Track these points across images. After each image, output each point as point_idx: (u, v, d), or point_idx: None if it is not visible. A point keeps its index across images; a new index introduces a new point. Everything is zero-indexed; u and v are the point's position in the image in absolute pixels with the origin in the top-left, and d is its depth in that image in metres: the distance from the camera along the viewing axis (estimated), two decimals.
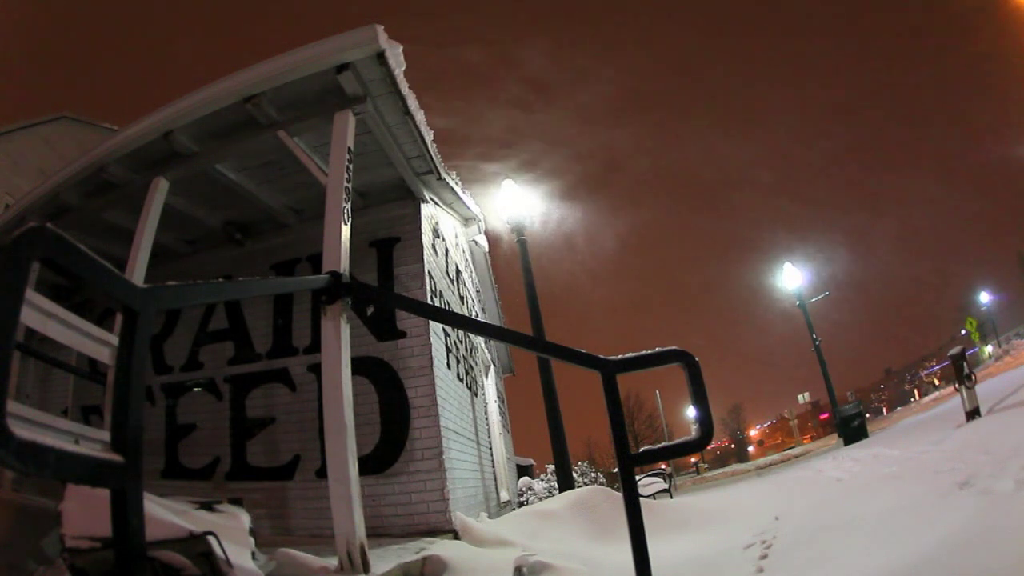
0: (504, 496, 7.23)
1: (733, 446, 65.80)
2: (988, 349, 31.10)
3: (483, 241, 7.52)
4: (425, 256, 4.59)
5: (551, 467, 11.13)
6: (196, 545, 1.85)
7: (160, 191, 3.84)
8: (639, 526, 1.84)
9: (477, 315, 8.20)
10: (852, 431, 11.80)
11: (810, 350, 15.06)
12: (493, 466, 6.53)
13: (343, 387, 2.67)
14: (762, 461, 21.82)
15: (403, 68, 3.43)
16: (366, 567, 2.43)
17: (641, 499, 2.30)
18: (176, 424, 4.60)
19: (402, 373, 4.20)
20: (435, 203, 5.23)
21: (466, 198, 5.56)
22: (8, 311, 0.97)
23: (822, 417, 49.16)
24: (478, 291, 8.66)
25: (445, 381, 4.54)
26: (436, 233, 5.30)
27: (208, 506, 2.35)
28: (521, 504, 9.59)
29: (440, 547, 3.10)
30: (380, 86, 3.46)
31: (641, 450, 2.04)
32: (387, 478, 3.96)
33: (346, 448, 2.57)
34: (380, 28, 3.18)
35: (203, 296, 2.16)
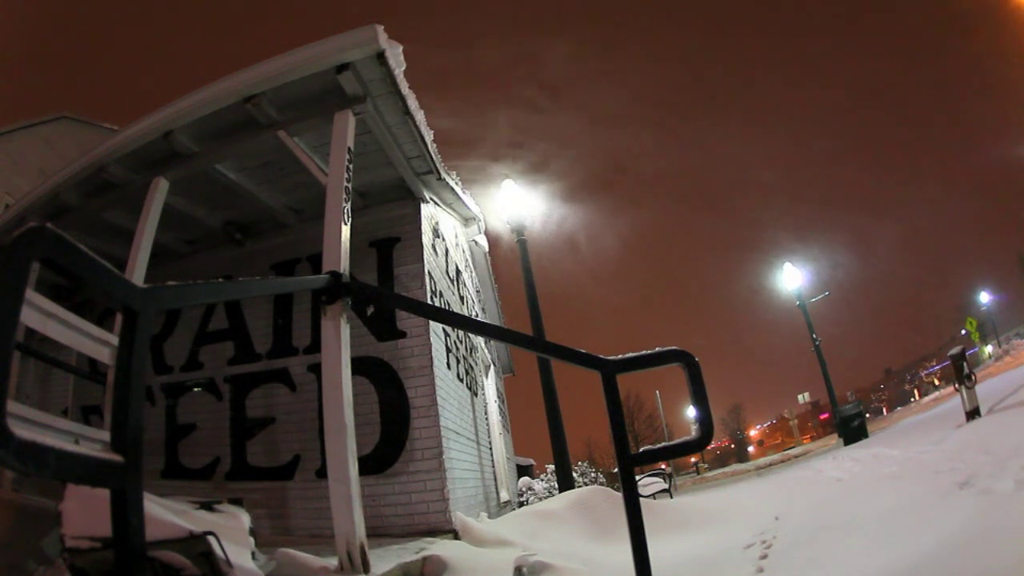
0: (504, 496, 7.23)
1: (733, 446, 65.79)
2: (988, 349, 31.12)
3: (483, 241, 7.52)
4: (425, 256, 4.60)
5: (551, 467, 11.13)
6: (196, 545, 1.85)
7: (160, 191, 3.84)
8: (639, 526, 1.84)
9: (477, 315, 8.20)
10: (852, 431, 11.80)
11: (810, 350, 15.06)
12: (493, 466, 6.53)
13: (343, 387, 2.67)
14: (762, 461, 21.82)
15: (403, 68, 3.43)
16: (366, 567, 2.43)
17: (641, 499, 2.30)
18: (176, 424, 4.60)
19: (402, 373, 4.20)
20: (435, 203, 5.23)
21: (466, 198, 5.57)
22: (8, 311, 0.97)
23: (822, 417, 49.16)
24: (478, 291, 8.67)
25: (445, 381, 4.54)
26: (436, 233, 5.30)
27: (208, 506, 2.35)
28: (521, 504, 9.59)
29: (440, 547, 3.10)
30: (380, 86, 3.46)
31: (641, 450, 2.03)
32: (387, 478, 3.96)
33: (346, 448, 2.57)
34: (380, 28, 3.18)
35: (203, 296, 2.16)
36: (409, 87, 3.55)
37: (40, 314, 2.63)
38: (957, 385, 7.21)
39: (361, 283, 3.98)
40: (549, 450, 6.58)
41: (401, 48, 3.37)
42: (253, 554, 2.29)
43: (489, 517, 5.02)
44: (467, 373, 5.85)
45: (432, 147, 4.12)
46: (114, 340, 2.97)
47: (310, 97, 3.55)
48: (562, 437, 6.28)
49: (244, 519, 2.40)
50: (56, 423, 3.14)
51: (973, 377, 7.08)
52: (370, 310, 4.40)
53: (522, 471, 13.37)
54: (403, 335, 4.31)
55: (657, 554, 1.91)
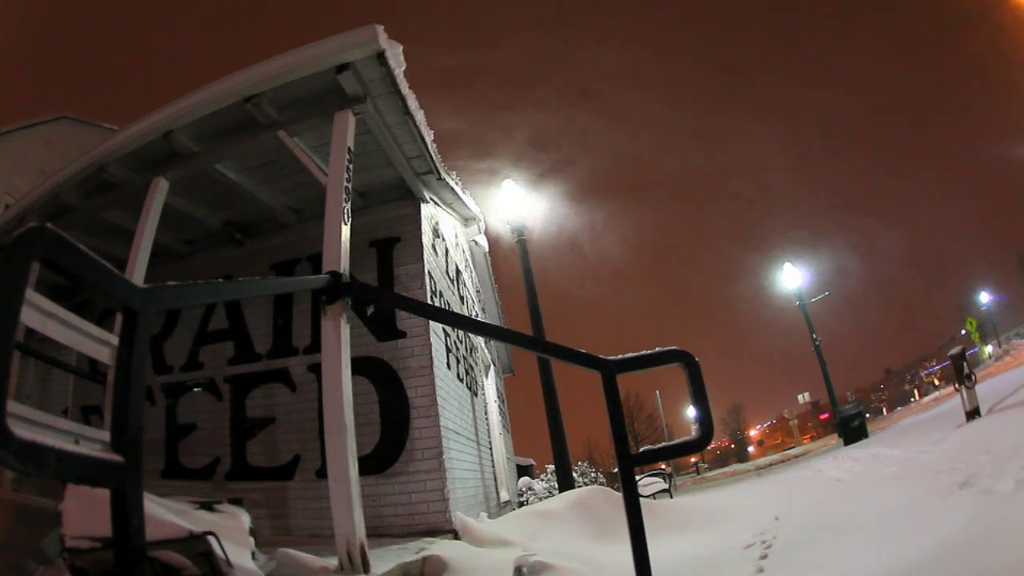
0: (504, 496, 7.23)
1: (733, 446, 65.78)
2: (988, 349, 31.11)
3: (483, 241, 7.52)
4: (425, 256, 4.60)
5: (551, 467, 11.14)
6: (196, 545, 1.85)
7: (160, 191, 3.84)
8: (639, 526, 1.84)
9: (477, 315, 8.20)
10: (852, 431, 11.80)
11: (810, 350, 15.07)
12: (493, 466, 6.53)
13: (343, 387, 2.67)
14: (762, 461, 21.82)
15: (403, 68, 3.43)
16: (366, 567, 2.43)
17: (641, 499, 2.30)
18: (176, 424, 4.60)
19: (402, 373, 4.21)
20: (435, 203, 5.23)
21: (466, 198, 5.57)
22: (8, 311, 0.97)
23: (822, 417, 49.17)
24: (478, 291, 8.67)
25: (445, 381, 4.54)
26: (436, 233, 5.30)
27: (208, 506, 2.35)
28: (521, 504, 9.59)
29: (440, 547, 3.10)
30: (380, 86, 3.46)
31: (641, 450, 2.04)
32: (387, 478, 3.96)
33: (346, 448, 2.57)
34: (380, 28, 3.19)
35: (203, 296, 2.16)
36: (409, 87, 3.55)
37: (40, 314, 2.63)
38: (957, 385, 7.21)
39: (361, 283, 3.98)
40: (549, 450, 6.59)
41: (401, 48, 3.37)
42: (253, 554, 2.30)
43: (489, 517, 5.02)
44: (467, 373, 5.85)
45: (432, 147, 4.12)
46: (114, 340, 2.97)
47: (310, 97, 3.55)
48: (562, 437, 6.28)
49: (244, 519, 2.40)
50: (56, 423, 3.14)
51: (973, 377, 7.08)
52: (370, 310, 4.40)
53: (522, 471, 13.37)
54: (403, 335, 4.31)
55: (657, 554, 1.91)
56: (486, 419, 6.93)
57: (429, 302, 4.41)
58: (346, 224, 3.09)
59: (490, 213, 7.25)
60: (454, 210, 5.95)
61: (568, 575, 2.71)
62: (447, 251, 5.82)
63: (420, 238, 4.61)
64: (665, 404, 34.84)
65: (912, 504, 3.24)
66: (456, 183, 5.02)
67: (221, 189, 4.24)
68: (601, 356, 2.10)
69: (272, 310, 4.68)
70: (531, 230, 7.55)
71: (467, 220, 6.56)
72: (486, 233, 7.34)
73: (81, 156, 4.17)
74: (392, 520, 3.85)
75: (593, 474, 16.88)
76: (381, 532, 3.75)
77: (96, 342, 3.03)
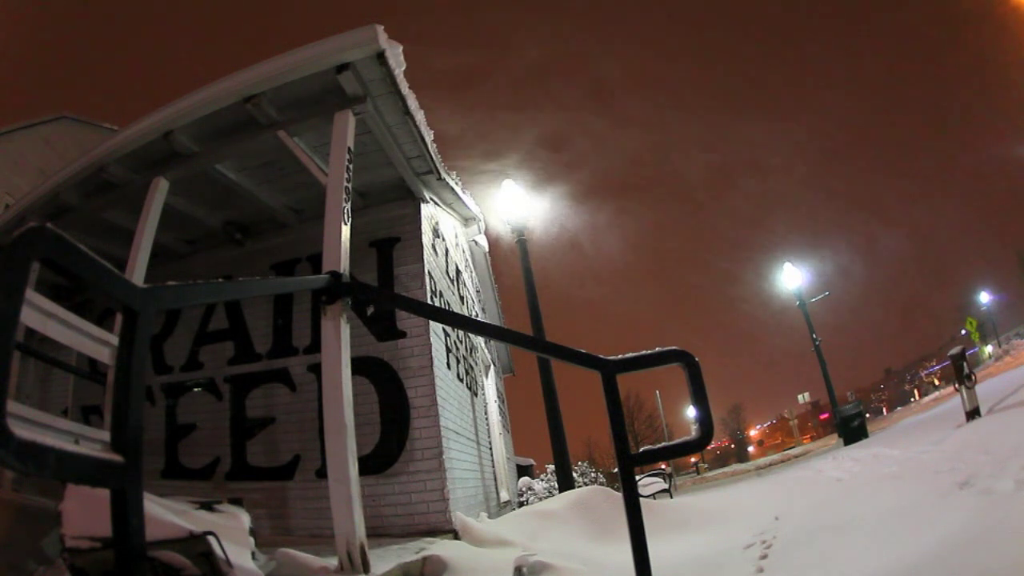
0: (504, 496, 7.23)
1: (733, 446, 65.78)
2: (988, 349, 31.11)
3: (483, 241, 7.52)
4: (425, 256, 4.60)
5: (551, 467, 11.14)
6: (196, 545, 1.85)
7: (160, 191, 3.84)
8: (639, 526, 1.84)
9: (477, 315, 8.20)
10: (852, 431, 11.80)
11: (810, 350, 15.06)
12: (493, 466, 6.53)
13: (343, 387, 2.67)
14: (762, 461, 21.81)
15: (403, 68, 3.43)
16: (366, 567, 2.43)
17: (641, 499, 2.30)
18: (176, 424, 4.60)
19: (402, 373, 4.21)
20: (435, 203, 5.23)
21: (466, 198, 5.57)
22: (8, 311, 0.97)
23: (822, 417, 49.17)
24: (478, 291, 8.67)
25: (445, 381, 4.54)
26: (436, 233, 5.30)
27: (208, 506, 2.35)
28: (521, 504, 9.59)
29: (440, 547, 3.10)
30: (380, 86, 3.46)
31: (641, 450, 2.03)
32: (387, 478, 3.96)
33: (346, 448, 2.57)
34: (380, 28, 3.19)
35: (203, 296, 2.16)
36: (409, 87, 3.55)
37: (40, 314, 2.63)
38: (957, 385, 7.21)
39: (361, 283, 3.98)
40: (549, 450, 6.59)
41: (401, 48, 3.37)
42: (253, 554, 2.30)
43: (489, 517, 5.02)
44: (467, 373, 5.85)
45: (432, 147, 4.12)
46: (114, 340, 2.97)
47: (310, 97, 3.55)
48: (562, 437, 6.28)
49: (244, 519, 2.40)
50: (56, 423, 3.14)
51: (973, 377, 7.07)
52: (370, 310, 4.40)
53: (522, 471, 13.37)
54: (403, 335, 4.31)
55: (657, 554, 1.91)
56: (486, 419, 6.93)
57: (429, 302, 4.41)
58: (346, 224, 3.09)
59: (491, 213, 7.26)
60: (454, 210, 5.95)
61: (568, 575, 2.71)
62: (447, 251, 5.82)
63: (420, 238, 4.61)
64: (665, 404, 34.87)
65: (912, 504, 3.24)
66: (456, 183, 5.02)
67: (221, 189, 4.24)
68: (601, 356, 2.10)
69: (272, 310, 4.68)
70: (532, 230, 7.55)
71: (467, 220, 6.56)
72: (486, 233, 7.35)
73: (81, 156, 4.17)
74: (392, 520, 3.85)
75: (593, 474, 16.88)
76: (381, 532, 3.75)
77: (96, 342, 3.03)
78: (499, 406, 9.18)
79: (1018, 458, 3.35)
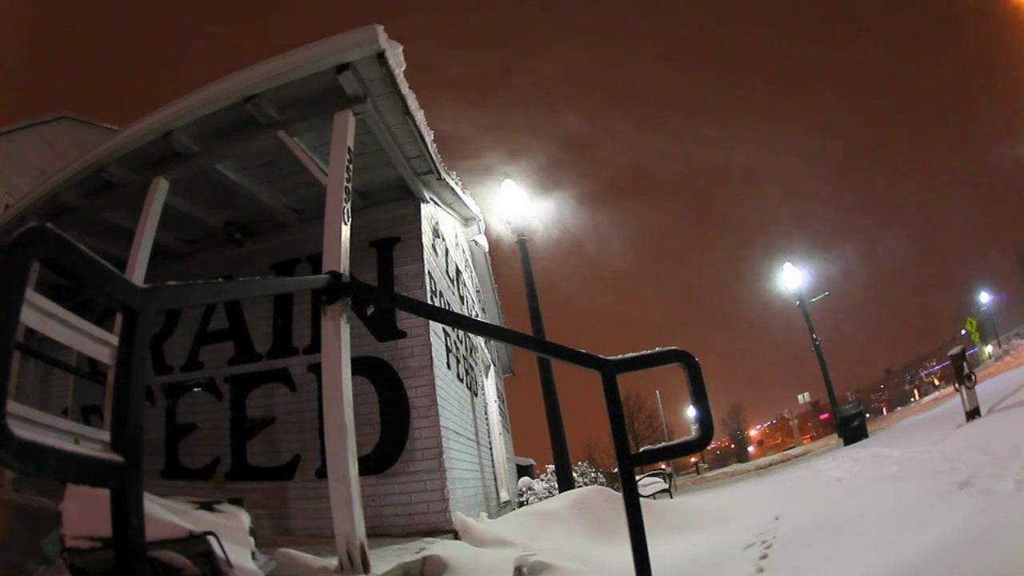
0: (504, 496, 7.23)
1: (733, 446, 65.80)
2: (988, 349, 31.12)
3: (483, 241, 7.52)
4: (425, 256, 4.60)
5: (551, 467, 11.14)
6: (196, 545, 1.85)
7: (160, 191, 3.84)
8: (639, 526, 1.84)
9: (477, 315, 8.20)
10: (852, 431, 11.80)
11: (810, 350, 15.06)
12: (493, 466, 6.53)
13: (343, 387, 2.67)
14: (762, 461, 21.82)
15: (403, 68, 3.43)
16: (366, 567, 2.43)
17: (641, 499, 2.30)
18: (176, 424, 4.60)
19: (402, 373, 4.21)
20: (435, 203, 5.23)
21: (466, 198, 5.57)
22: (8, 311, 0.97)
23: (822, 417, 49.17)
24: (478, 291, 8.67)
25: (445, 381, 4.54)
26: (436, 233, 5.30)
27: (208, 506, 2.35)
28: (521, 504, 9.59)
29: (440, 547, 3.10)
30: (380, 86, 3.46)
31: (641, 450, 2.03)
32: (387, 478, 3.96)
33: (346, 448, 2.57)
34: (380, 28, 3.19)
35: (203, 296, 2.16)
36: (409, 87, 3.55)
37: (40, 314, 2.63)
38: (957, 385, 7.21)
39: (361, 283, 3.98)
40: (549, 450, 6.59)
41: (401, 48, 3.37)
42: (253, 554, 2.30)
43: (489, 517, 5.02)
44: (467, 373, 5.85)
45: (432, 147, 4.12)
46: (114, 340, 2.97)
47: (310, 97, 3.55)
48: (562, 437, 6.28)
49: (244, 519, 2.40)
50: (56, 423, 3.14)
51: (973, 377, 7.07)
52: (370, 310, 4.40)
53: (522, 471, 13.38)
54: (403, 335, 4.31)
55: (657, 554, 1.91)
56: (486, 419, 6.93)
57: (429, 302, 4.41)
58: (346, 224, 3.09)
59: (491, 213, 7.26)
60: (454, 210, 5.95)
61: (568, 575, 2.71)
62: (447, 251, 5.82)
63: (420, 238, 4.61)
64: (665, 404, 34.89)
65: (912, 504, 3.24)
66: (456, 183, 5.02)
67: (221, 189, 4.24)
68: (601, 356, 2.10)
69: (272, 310, 4.68)
70: (536, 231, 7.56)
71: (467, 220, 6.56)
72: (486, 233, 7.35)
73: (81, 156, 4.17)
74: (392, 520, 3.85)
75: (593, 474, 16.88)
76: (381, 532, 3.75)
77: (96, 342, 3.03)
78: (499, 406, 9.18)
79: (1018, 458, 3.35)
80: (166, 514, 1.93)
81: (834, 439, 15.26)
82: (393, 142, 3.95)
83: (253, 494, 4.05)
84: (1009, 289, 41.56)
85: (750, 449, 62.91)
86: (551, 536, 3.92)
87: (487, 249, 7.99)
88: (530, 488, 11.38)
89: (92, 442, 3.01)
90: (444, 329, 4.83)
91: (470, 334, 6.23)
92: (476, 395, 6.23)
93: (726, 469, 26.46)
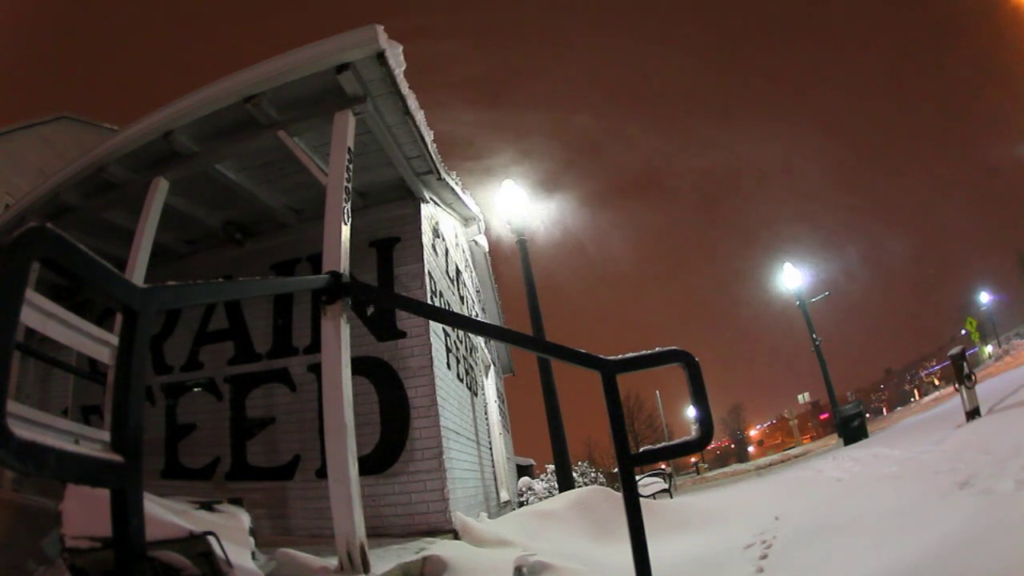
0: (504, 496, 7.23)
1: (733, 446, 65.82)
2: (988, 349, 31.13)
3: (483, 241, 7.52)
4: (425, 256, 4.60)
5: (551, 467, 11.14)
6: (196, 545, 1.85)
7: (160, 191, 3.84)
8: (639, 526, 1.84)
9: (477, 315, 8.20)
10: (852, 431, 11.81)
11: (810, 350, 15.07)
12: (493, 466, 6.53)
13: (343, 387, 2.67)
14: (762, 461, 21.82)
15: (403, 68, 3.43)
16: (366, 567, 2.43)
17: (641, 499, 2.30)
18: (176, 424, 4.60)
19: (402, 373, 4.20)
20: (435, 203, 5.23)
21: (466, 198, 5.57)
22: (8, 311, 0.97)
23: (822, 417, 49.17)
24: (478, 291, 8.67)
25: (445, 381, 4.54)
26: (436, 233, 5.30)
27: (208, 506, 2.35)
28: (521, 504, 9.59)
29: (440, 547, 3.10)
30: (380, 86, 3.46)
31: (641, 450, 2.03)
32: (387, 478, 3.96)
33: (346, 448, 2.57)
34: (380, 28, 3.19)
35: (203, 296, 2.16)
36: (409, 87, 3.55)
37: (40, 314, 2.63)
38: (957, 385, 7.21)
39: (361, 283, 3.98)
40: (549, 450, 6.59)
41: (401, 48, 3.37)
42: (253, 554, 2.30)
43: (489, 517, 5.02)
44: (467, 373, 5.85)
45: (432, 147, 4.12)
46: (114, 340, 2.97)
47: (310, 97, 3.55)
48: (562, 437, 6.28)
49: (244, 519, 2.40)
50: (56, 423, 3.14)
51: (973, 377, 7.08)
52: (370, 310, 4.40)
53: (522, 471, 13.38)
54: (403, 335, 4.31)
55: (657, 554, 1.91)
56: (486, 419, 6.93)
57: (429, 302, 4.41)
58: (346, 224, 3.09)
59: (492, 213, 7.26)
60: (454, 210, 5.95)
61: (568, 575, 2.71)
62: (447, 251, 5.82)
63: (420, 238, 4.61)
64: (665, 404, 34.90)
65: (912, 504, 3.24)
66: (456, 183, 5.02)
67: (221, 189, 4.24)
68: (601, 356, 2.10)
69: (272, 310, 4.68)
70: (537, 231, 7.56)
71: (467, 220, 6.56)
72: (487, 233, 7.35)
73: (81, 156, 4.17)
74: (392, 520, 3.85)
75: (593, 474, 16.87)
76: (381, 532, 3.74)
77: (96, 342, 3.03)
78: (499, 406, 9.18)
79: (1018, 458, 3.35)
80: (166, 514, 1.93)
81: (834, 439, 15.26)
82: (393, 142, 3.95)
83: (253, 494, 4.04)
84: (1009, 289, 41.63)
85: (750, 449, 62.92)
86: (551, 536, 3.92)
87: (487, 249, 8.00)
88: (530, 488, 11.38)
89: (92, 442, 3.01)
90: (444, 329, 4.83)
91: (470, 334, 6.23)
92: (476, 395, 6.23)
93: (726, 469, 26.47)
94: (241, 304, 4.76)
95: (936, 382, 40.33)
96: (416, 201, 4.72)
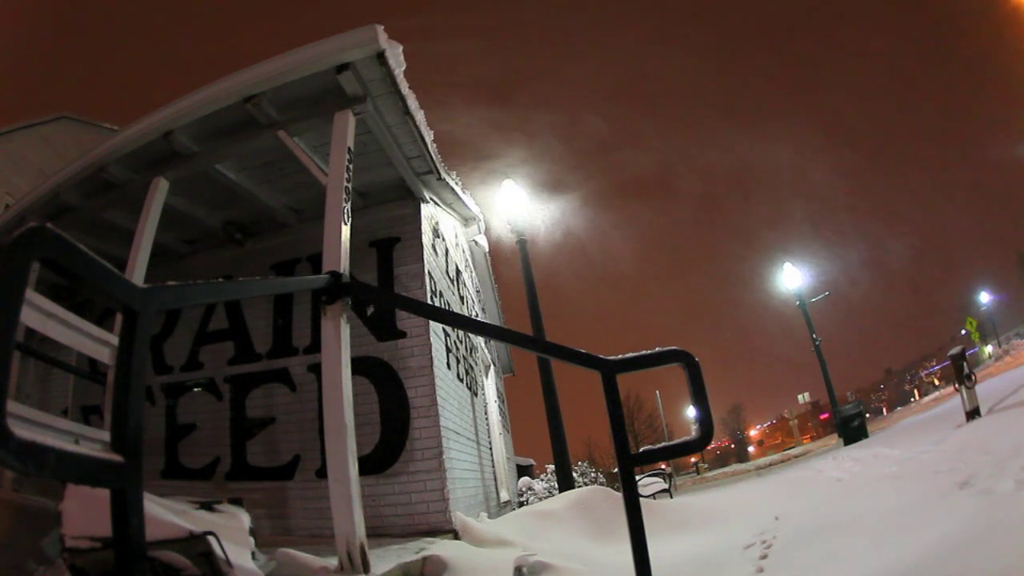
0: (504, 496, 7.23)
1: (733, 446, 65.83)
2: (988, 349, 31.14)
3: (483, 241, 7.53)
4: (425, 256, 4.60)
5: (551, 467, 11.14)
6: (196, 545, 1.85)
7: (160, 191, 3.84)
8: (639, 526, 1.84)
9: (477, 315, 8.20)
10: (852, 431, 11.80)
11: (810, 350, 15.07)
12: (493, 466, 6.53)
13: (343, 387, 2.67)
14: (762, 461, 21.82)
15: (403, 68, 3.43)
16: (366, 567, 2.43)
17: (641, 499, 2.30)
18: (176, 424, 4.60)
19: (402, 373, 4.20)
20: (435, 203, 5.23)
21: (466, 198, 5.57)
22: (8, 311, 0.97)
23: (822, 417, 49.17)
24: (478, 291, 8.67)
25: (445, 381, 4.54)
26: (436, 233, 5.30)
27: (208, 506, 2.35)
28: (521, 504, 9.59)
29: (440, 547, 3.10)
30: (380, 86, 3.46)
31: (641, 450, 2.03)
32: (387, 478, 3.96)
33: (346, 448, 2.57)
34: (380, 28, 3.19)
35: (203, 296, 2.16)
36: (409, 87, 3.55)
37: (40, 314, 2.63)
38: (957, 385, 7.21)
39: (361, 283, 3.98)
40: (549, 450, 6.59)
41: (401, 48, 3.37)
42: (253, 554, 2.30)
43: (489, 517, 5.02)
44: (467, 373, 5.85)
45: (432, 147, 4.12)
46: (114, 340, 2.97)
47: (310, 97, 3.55)
48: (562, 437, 6.28)
49: (244, 519, 2.40)
50: (56, 423, 3.14)
51: (973, 377, 7.08)
52: (370, 310, 4.40)
53: (522, 471, 13.38)
54: (403, 335, 4.31)
55: (657, 554, 1.91)
56: (486, 419, 6.93)
57: (429, 302, 4.41)
58: (346, 224, 3.09)
59: (492, 213, 7.26)
60: (454, 210, 5.95)
61: (568, 575, 2.71)
62: (447, 251, 5.82)
63: (420, 238, 4.61)
64: (665, 404, 34.90)
65: (912, 504, 3.24)
66: (456, 183, 5.02)
67: (221, 189, 4.24)
68: (601, 356, 2.10)
69: (272, 310, 4.68)
70: (537, 231, 7.56)
71: (467, 220, 6.56)
72: (487, 233, 7.35)
73: (81, 156, 4.17)
74: (392, 520, 3.85)
75: (593, 474, 16.88)
76: (381, 532, 3.75)
77: (96, 342, 3.03)
78: (499, 406, 9.18)
79: (1018, 458, 3.35)
80: (166, 514, 1.93)
81: (834, 439, 15.26)
82: (393, 142, 3.95)
83: (253, 494, 4.04)
84: (1009, 289, 41.65)
85: (750, 449, 62.92)
86: (551, 536, 3.92)
87: (487, 249, 8.00)
88: (530, 488, 11.38)
89: (92, 442, 3.01)
90: (444, 329, 4.83)
91: (470, 334, 6.23)
92: (476, 395, 6.23)
93: (726, 469, 26.47)
94: (241, 304, 4.77)
95: (936, 382, 40.36)
96: (416, 201, 4.72)
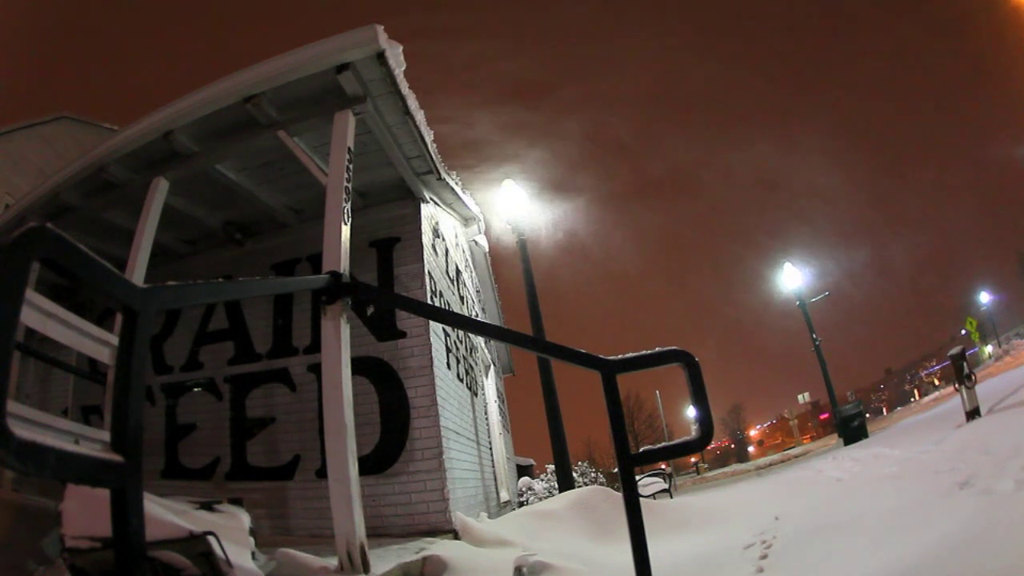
0: (504, 496, 7.23)
1: (733, 446, 65.82)
2: (988, 349, 31.13)
3: (483, 241, 7.53)
4: (425, 256, 4.60)
5: (551, 467, 11.14)
6: (196, 545, 1.85)
7: (160, 191, 3.84)
8: (639, 526, 1.84)
9: (477, 315, 8.20)
10: (852, 431, 11.81)
11: (810, 350, 15.07)
12: (493, 466, 6.53)
13: (343, 387, 2.67)
14: (762, 461, 21.82)
15: (403, 68, 3.43)
16: (366, 567, 2.43)
17: (641, 499, 2.30)
18: (176, 424, 4.60)
19: (402, 373, 4.21)
20: (435, 203, 5.23)
21: (466, 198, 5.57)
22: (8, 311, 0.97)
23: (822, 417, 49.16)
24: (478, 291, 8.67)
25: (445, 381, 4.54)
26: (436, 233, 5.31)
27: (208, 506, 2.35)
28: (521, 504, 9.59)
29: (440, 547, 3.10)
30: (380, 86, 3.46)
31: (641, 450, 2.03)
32: (387, 478, 3.96)
33: (346, 448, 2.57)
34: (380, 28, 3.19)
35: (203, 296, 2.16)
36: (409, 87, 3.55)
37: (40, 314, 2.63)
38: (957, 385, 7.21)
39: (361, 283, 3.98)
40: (549, 450, 6.60)
41: (401, 48, 3.37)
42: (253, 554, 2.30)
43: (489, 517, 5.02)
44: (467, 373, 5.85)
45: (432, 147, 4.12)
46: (114, 340, 2.97)
47: (310, 97, 3.55)
48: (562, 437, 6.28)
49: (244, 519, 2.40)
50: (56, 423, 3.14)
51: (973, 377, 7.08)
52: (370, 310, 4.40)
53: (522, 471, 13.38)
54: (403, 335, 4.31)
55: (657, 554, 1.92)
56: (486, 419, 6.93)
57: (429, 302, 4.41)
58: (346, 224, 3.09)
59: (492, 213, 7.27)
60: (454, 210, 5.95)
61: (568, 575, 2.71)
62: (447, 251, 5.82)
63: (420, 238, 4.61)
64: (665, 404, 34.91)
65: (912, 504, 3.24)
66: (456, 183, 5.02)
67: (221, 189, 4.24)
68: (601, 356, 2.10)
69: (272, 310, 4.68)
70: (539, 232, 7.55)
71: (467, 220, 6.56)
72: (486, 233, 7.35)
73: (81, 156, 4.17)
74: (392, 520, 3.85)
75: (593, 474, 16.88)
76: (381, 532, 3.75)
77: (96, 342, 3.03)
78: (499, 406, 9.18)
79: (1018, 458, 3.35)
80: (166, 514, 1.93)
81: (834, 439, 15.27)
82: (393, 142, 3.95)
83: (253, 494, 4.04)
84: (1009, 289, 41.67)
85: (750, 449, 62.92)
86: (551, 536, 3.92)
87: (487, 249, 8.00)
88: (530, 488, 11.38)
89: (92, 442, 3.01)
90: (444, 329, 4.83)
91: (470, 334, 6.23)
92: (476, 395, 6.23)
93: (726, 469, 26.48)
94: (241, 304, 4.77)
95: (936, 382, 40.35)
96: (416, 201, 4.72)
